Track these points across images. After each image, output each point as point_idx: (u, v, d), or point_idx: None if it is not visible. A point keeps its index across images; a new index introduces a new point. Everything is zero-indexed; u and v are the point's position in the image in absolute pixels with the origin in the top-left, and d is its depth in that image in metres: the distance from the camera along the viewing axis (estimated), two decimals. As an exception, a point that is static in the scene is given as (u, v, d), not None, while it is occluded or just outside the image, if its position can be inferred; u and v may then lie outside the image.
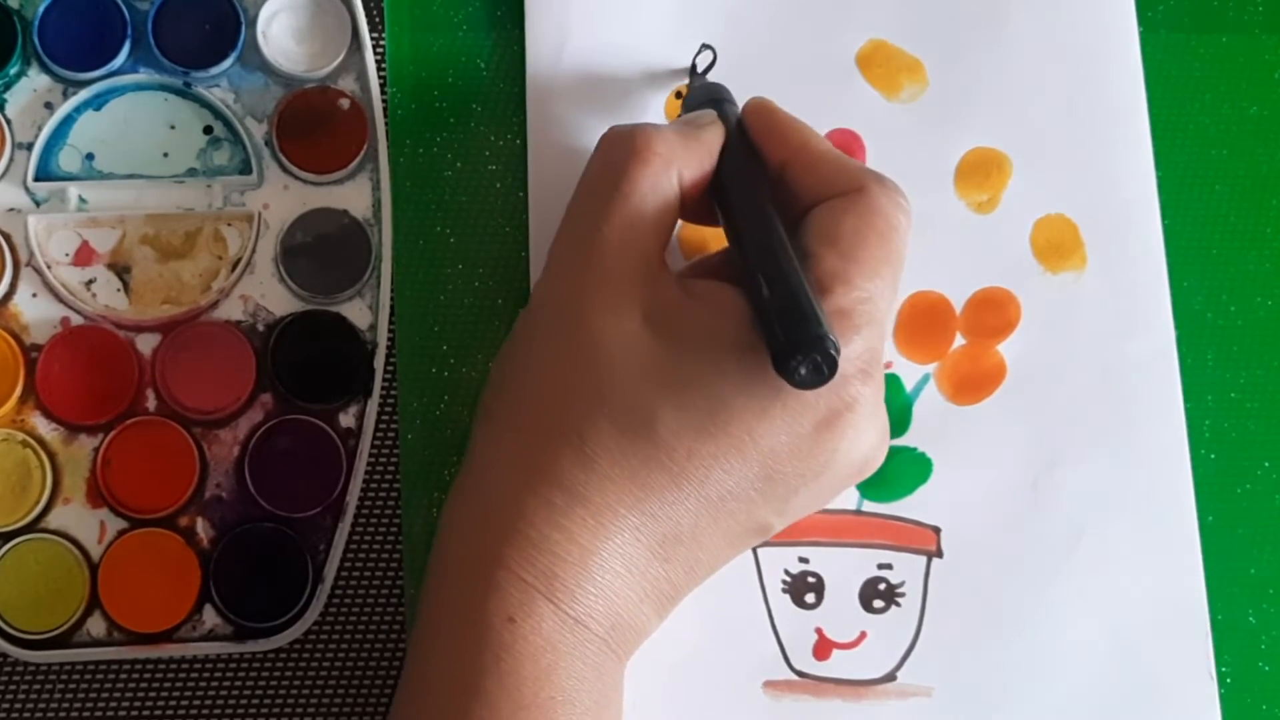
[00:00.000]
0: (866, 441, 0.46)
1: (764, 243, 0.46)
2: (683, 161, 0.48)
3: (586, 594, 0.44)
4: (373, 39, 0.55)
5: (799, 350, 0.42)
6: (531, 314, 0.48)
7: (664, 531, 0.45)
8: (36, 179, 0.53)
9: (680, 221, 0.49)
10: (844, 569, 0.53)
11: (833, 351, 0.42)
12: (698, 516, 0.45)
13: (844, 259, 0.46)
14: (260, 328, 0.53)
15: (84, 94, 0.54)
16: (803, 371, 0.42)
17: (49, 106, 0.54)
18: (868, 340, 0.45)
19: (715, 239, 0.53)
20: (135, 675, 0.52)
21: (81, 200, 0.53)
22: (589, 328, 0.45)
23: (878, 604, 0.53)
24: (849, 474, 0.47)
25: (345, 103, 0.54)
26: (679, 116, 0.52)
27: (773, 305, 0.44)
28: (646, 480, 0.44)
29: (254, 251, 0.53)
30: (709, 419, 0.44)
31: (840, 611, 0.53)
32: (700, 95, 0.53)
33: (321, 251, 0.53)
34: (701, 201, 0.49)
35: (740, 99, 0.51)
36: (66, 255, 0.53)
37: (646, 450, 0.44)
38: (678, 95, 0.56)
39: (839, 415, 0.45)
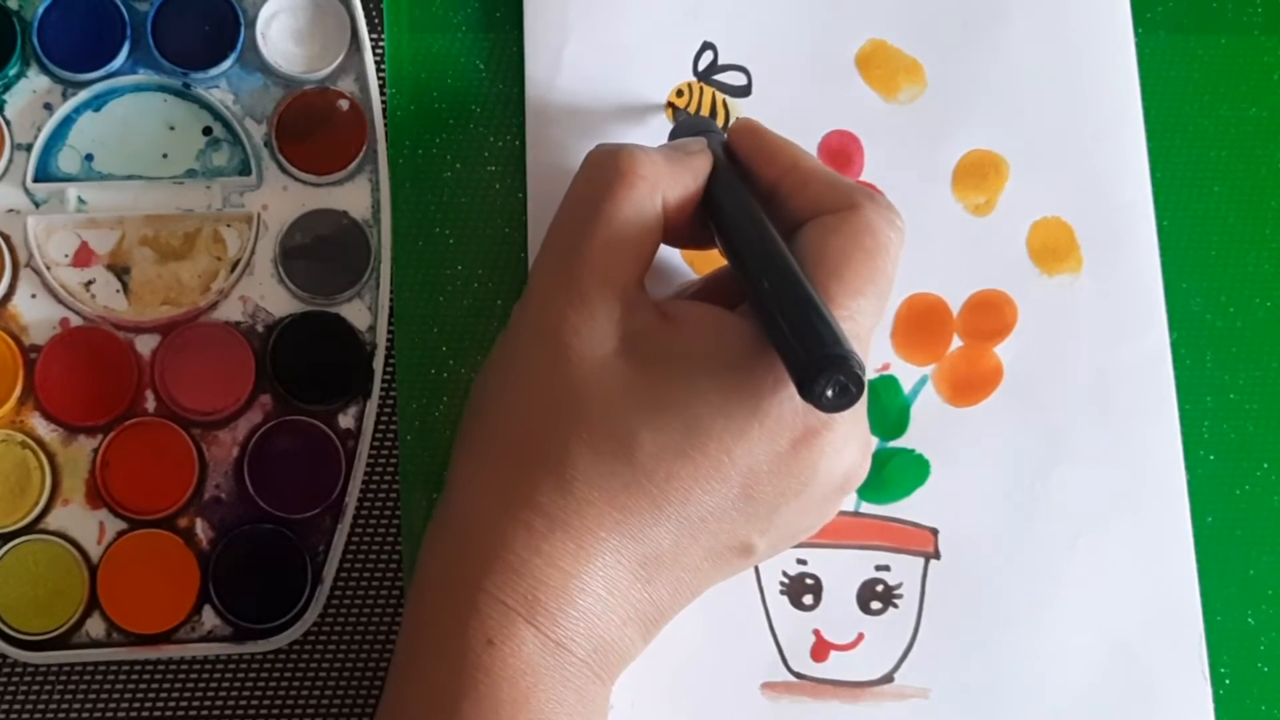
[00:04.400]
0: (847, 458, 0.46)
1: (772, 265, 0.45)
2: (668, 186, 0.47)
3: (568, 617, 0.44)
4: (372, 40, 0.55)
5: (824, 372, 0.41)
6: (509, 337, 0.47)
7: (645, 553, 0.45)
8: (36, 180, 0.53)
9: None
10: (842, 571, 0.53)
11: (858, 370, 0.41)
12: (678, 537, 0.45)
13: (829, 275, 0.45)
14: (259, 329, 0.53)
15: (83, 95, 0.54)
16: (829, 394, 0.41)
17: (48, 107, 0.54)
18: None
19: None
20: (134, 676, 0.52)
21: (81, 201, 0.53)
22: (567, 351, 0.45)
23: (875, 605, 0.53)
24: (831, 491, 0.46)
25: (344, 104, 0.54)
26: (665, 144, 0.50)
27: (789, 328, 0.43)
28: (626, 503, 0.44)
29: (253, 252, 0.53)
30: (687, 441, 0.44)
31: (838, 613, 0.53)
32: (686, 127, 0.53)
33: (321, 252, 0.53)
34: (686, 226, 0.48)
35: (739, 98, 0.51)
36: (66, 256, 0.53)
37: (625, 474, 0.44)
38: (679, 93, 0.56)
39: (816, 433, 0.45)
